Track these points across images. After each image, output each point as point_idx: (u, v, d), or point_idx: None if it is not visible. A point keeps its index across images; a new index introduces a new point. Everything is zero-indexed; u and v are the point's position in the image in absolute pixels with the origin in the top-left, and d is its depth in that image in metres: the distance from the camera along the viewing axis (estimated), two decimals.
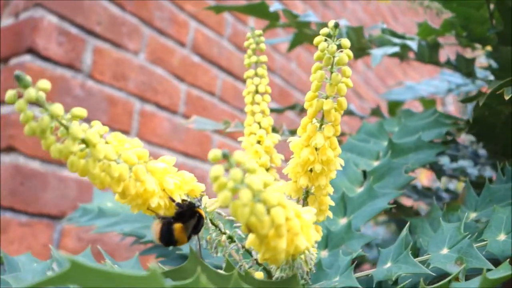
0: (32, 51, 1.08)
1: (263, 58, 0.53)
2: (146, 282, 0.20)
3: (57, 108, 0.25)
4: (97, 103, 1.22)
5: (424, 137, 0.59)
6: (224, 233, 0.38)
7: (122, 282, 0.20)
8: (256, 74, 0.53)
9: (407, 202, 0.97)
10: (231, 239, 0.39)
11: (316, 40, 0.32)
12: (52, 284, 0.21)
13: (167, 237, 0.35)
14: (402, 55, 0.75)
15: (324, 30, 0.32)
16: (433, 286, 0.34)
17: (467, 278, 0.40)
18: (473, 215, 0.51)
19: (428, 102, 1.14)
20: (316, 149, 0.36)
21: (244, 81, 0.52)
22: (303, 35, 0.82)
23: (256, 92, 0.52)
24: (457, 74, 0.93)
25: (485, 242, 0.42)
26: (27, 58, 1.07)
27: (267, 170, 0.50)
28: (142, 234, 0.56)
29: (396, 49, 0.67)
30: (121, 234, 0.59)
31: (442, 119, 0.61)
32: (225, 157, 0.23)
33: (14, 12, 1.15)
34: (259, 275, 0.43)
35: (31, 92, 0.23)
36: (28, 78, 0.24)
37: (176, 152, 1.44)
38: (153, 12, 1.40)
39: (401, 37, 0.72)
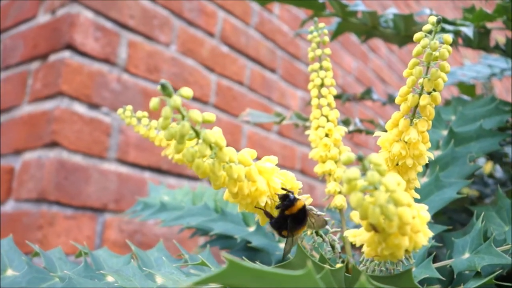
0: (70, 47, 1.09)
1: (327, 50, 0.53)
2: (301, 281, 0.21)
3: (195, 114, 0.25)
4: (133, 96, 1.23)
5: (485, 125, 0.59)
6: (314, 228, 0.39)
7: (277, 281, 0.21)
8: (321, 67, 0.53)
9: None
10: (316, 233, 0.40)
11: (416, 36, 0.32)
12: (211, 282, 0.21)
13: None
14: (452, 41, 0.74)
15: (427, 27, 0.32)
16: None
17: None
18: None
19: (467, 88, 1.13)
20: (406, 143, 0.36)
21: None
22: (347, 24, 0.82)
23: (322, 85, 0.53)
24: (502, 59, 0.92)
25: None
26: (66, 54, 1.09)
27: (336, 162, 0.51)
28: (208, 228, 0.57)
29: (450, 36, 0.66)
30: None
31: (502, 106, 0.61)
32: (360, 159, 0.23)
33: (51, 9, 1.16)
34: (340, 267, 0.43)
35: (176, 100, 0.24)
36: (171, 87, 0.24)
37: None
38: (182, 3, 1.40)
39: (453, 23, 0.71)
